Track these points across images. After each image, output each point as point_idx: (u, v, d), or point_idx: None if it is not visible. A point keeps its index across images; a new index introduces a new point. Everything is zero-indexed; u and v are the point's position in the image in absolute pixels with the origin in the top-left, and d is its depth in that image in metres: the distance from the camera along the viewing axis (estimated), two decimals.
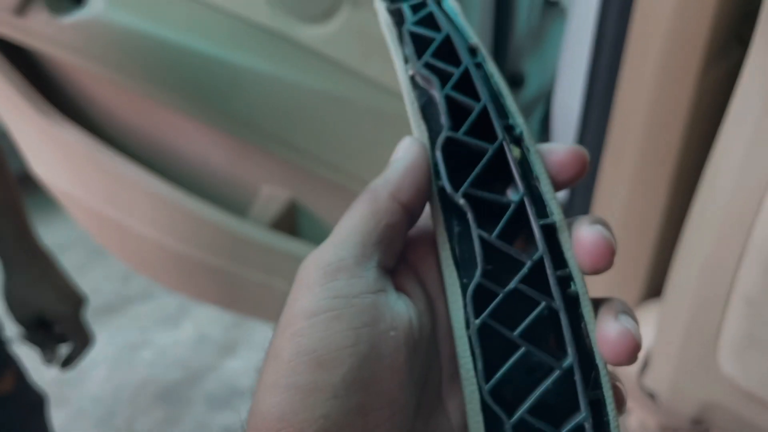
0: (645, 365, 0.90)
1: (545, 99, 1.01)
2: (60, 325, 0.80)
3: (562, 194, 0.95)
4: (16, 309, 0.78)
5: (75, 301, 0.81)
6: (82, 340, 0.82)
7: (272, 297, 1.08)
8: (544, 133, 1.01)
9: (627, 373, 0.94)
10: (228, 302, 1.20)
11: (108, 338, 1.97)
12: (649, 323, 0.89)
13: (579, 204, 0.92)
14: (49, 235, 2.09)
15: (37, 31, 0.88)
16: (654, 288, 0.94)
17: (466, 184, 0.30)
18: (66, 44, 0.89)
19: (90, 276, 2.18)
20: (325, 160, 0.91)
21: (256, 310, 1.16)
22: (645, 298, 0.94)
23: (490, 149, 0.30)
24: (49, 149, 1.07)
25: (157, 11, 0.86)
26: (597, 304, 0.29)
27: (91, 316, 0.86)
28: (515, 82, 1.00)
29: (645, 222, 0.88)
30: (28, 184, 1.19)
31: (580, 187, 0.91)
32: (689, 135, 0.80)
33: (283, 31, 0.87)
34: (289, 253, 1.02)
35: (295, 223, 1.09)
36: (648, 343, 0.89)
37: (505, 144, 0.30)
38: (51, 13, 0.85)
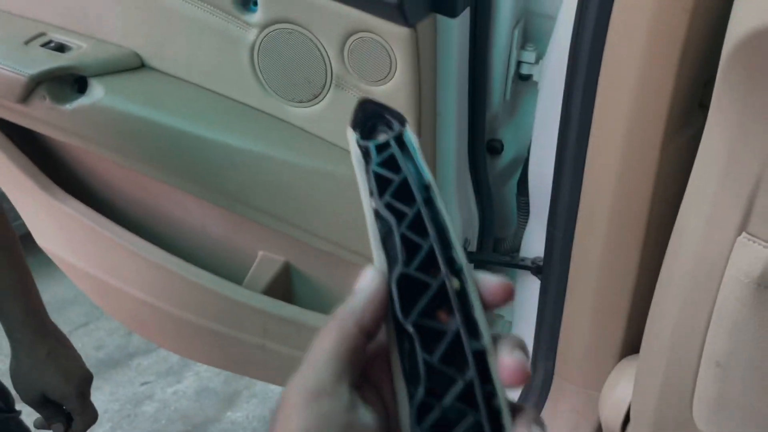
0: (626, 420, 0.93)
1: (522, 163, 1.06)
2: (65, 404, 0.83)
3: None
4: (21, 389, 0.81)
5: (80, 380, 0.84)
6: (85, 419, 0.85)
7: (266, 358, 1.12)
8: (521, 195, 1.06)
9: (610, 428, 0.97)
10: (224, 363, 1.24)
11: (111, 393, 2.00)
12: (629, 379, 0.92)
13: (557, 265, 0.96)
14: (53, 290, 2.14)
15: (40, 118, 0.94)
16: (632, 344, 0.97)
17: (414, 314, 0.35)
18: (68, 129, 0.95)
19: (94, 331, 2.22)
20: (316, 232, 0.95)
21: (251, 370, 1.19)
22: (624, 354, 0.97)
23: (434, 284, 0.35)
24: (51, 222, 1.12)
25: (153, 97, 0.92)
26: (514, 410, 0.34)
27: (95, 370, 0.89)
28: (494, 148, 1.05)
29: (619, 282, 0.92)
30: (32, 240, 1.23)
31: (558, 247, 0.95)
32: (656, 201, 0.85)
33: (273, 112, 0.93)
34: (283, 316, 1.06)
35: (289, 287, 1.13)
36: (628, 398, 0.92)
37: (446, 280, 0.35)
38: (53, 101, 0.91)
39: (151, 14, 0.91)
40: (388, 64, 0.82)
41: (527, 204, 1.06)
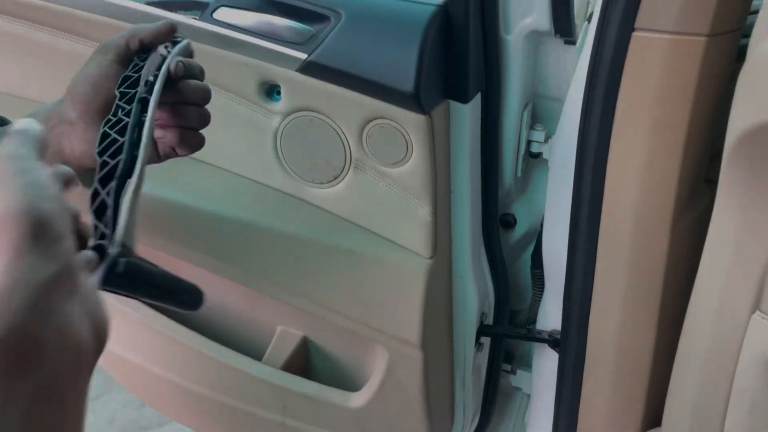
0: None
1: (535, 236, 1.09)
2: None
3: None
4: None
5: None
6: None
7: None
8: (536, 267, 1.08)
9: None
10: None
11: None
12: None
13: (574, 339, 0.97)
14: None
15: None
16: (654, 417, 0.97)
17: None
18: None
19: (107, 404, 2.21)
20: (336, 308, 0.97)
21: None
22: (646, 428, 0.97)
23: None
24: None
25: (175, 177, 0.96)
26: None
27: None
28: (507, 223, 1.08)
29: (637, 356, 0.92)
30: None
31: (574, 321, 0.97)
32: (670, 276, 0.87)
33: (294, 193, 0.96)
34: (303, 393, 1.07)
35: (307, 362, 1.14)
36: None
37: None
38: None
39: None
40: (404, 148, 0.86)
41: (542, 277, 1.07)
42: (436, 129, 0.86)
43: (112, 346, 1.18)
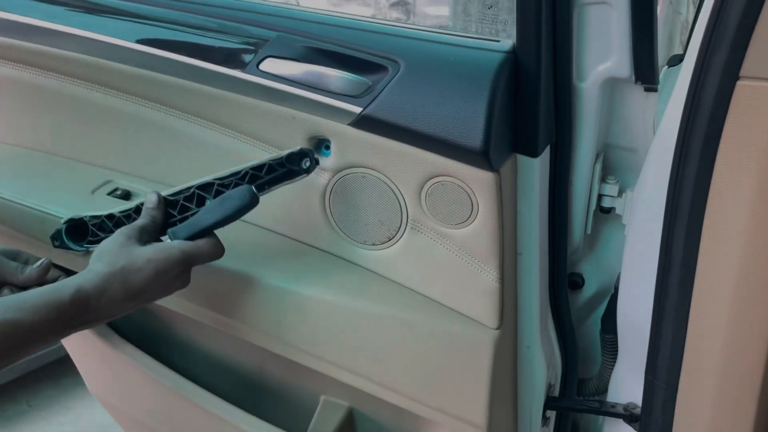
0: None
1: (604, 297, 0.99)
2: None
3: None
4: None
5: None
6: None
7: None
8: (606, 332, 0.97)
9: None
10: None
11: None
12: None
13: (659, 418, 0.86)
14: (94, 414, 2.04)
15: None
16: None
17: None
18: None
19: None
20: (390, 385, 0.88)
21: None
22: None
23: None
24: (105, 369, 1.07)
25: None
26: None
27: None
28: (575, 283, 0.98)
29: None
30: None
31: (659, 399, 0.86)
32: None
33: (344, 255, 0.88)
34: None
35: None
36: None
37: None
38: None
39: (221, 160, 0.89)
40: (469, 208, 0.77)
41: (614, 343, 0.97)
42: (504, 186, 0.77)
43: (148, 420, 1.10)
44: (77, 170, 0.96)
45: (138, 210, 0.81)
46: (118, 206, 0.84)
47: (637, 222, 0.84)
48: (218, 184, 0.80)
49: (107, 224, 0.83)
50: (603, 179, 0.91)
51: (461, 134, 0.73)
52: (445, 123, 0.73)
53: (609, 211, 0.92)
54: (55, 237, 0.85)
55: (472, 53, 0.75)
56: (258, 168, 0.80)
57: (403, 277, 0.86)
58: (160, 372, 1.03)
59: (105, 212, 0.83)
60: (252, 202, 0.77)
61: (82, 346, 1.08)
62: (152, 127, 0.91)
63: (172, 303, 0.91)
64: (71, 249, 0.85)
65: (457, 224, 0.80)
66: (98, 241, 0.82)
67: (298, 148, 0.81)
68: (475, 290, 0.82)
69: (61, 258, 0.87)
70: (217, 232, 0.80)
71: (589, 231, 0.93)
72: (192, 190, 0.80)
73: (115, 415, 1.15)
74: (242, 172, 0.80)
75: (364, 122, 0.78)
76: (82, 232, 0.85)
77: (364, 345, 0.86)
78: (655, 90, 0.81)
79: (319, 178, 0.85)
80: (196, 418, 1.03)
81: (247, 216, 0.88)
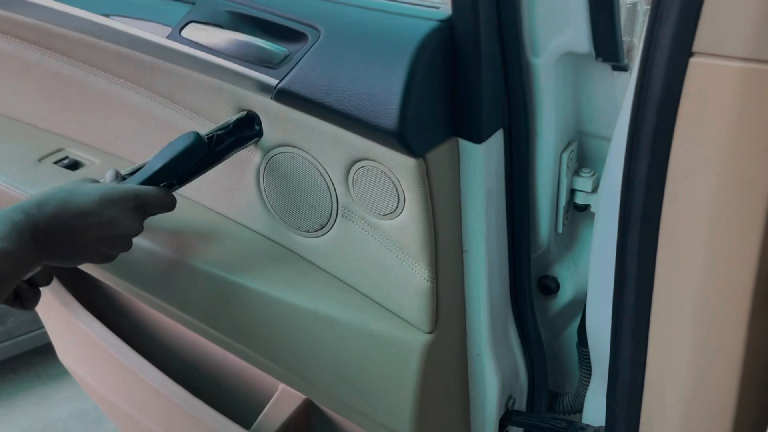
0: None
1: (583, 306, 0.87)
2: None
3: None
4: None
5: None
6: None
7: None
8: (582, 344, 0.86)
9: None
10: None
11: None
12: None
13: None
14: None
15: None
16: None
17: None
18: None
19: None
20: (316, 384, 0.81)
21: None
22: None
23: None
24: (73, 340, 1.07)
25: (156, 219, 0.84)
26: None
27: None
28: (547, 287, 0.87)
29: None
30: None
31: (621, 427, 0.74)
32: (744, 387, 0.63)
33: (281, 241, 0.82)
34: None
35: (311, 426, 0.99)
36: None
37: None
38: None
39: (164, 132, 0.84)
40: (395, 197, 0.69)
41: (588, 357, 0.86)
42: (435, 175, 0.68)
43: (112, 396, 1.10)
44: (31, 136, 0.95)
45: None
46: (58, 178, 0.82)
47: (600, 222, 0.72)
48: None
49: None
50: (577, 172, 0.79)
51: (375, 112, 0.64)
52: (359, 99, 0.65)
53: (584, 208, 0.81)
54: None
55: (399, 20, 0.66)
56: (207, 140, 0.75)
57: (336, 268, 0.79)
58: (124, 353, 1.01)
59: None
60: (198, 144, 0.72)
61: (51, 315, 1.08)
62: (100, 95, 0.88)
63: (112, 282, 0.89)
64: None
65: (386, 215, 0.71)
66: None
67: (245, 112, 0.75)
68: (407, 289, 0.73)
69: None
70: None
71: (560, 230, 0.82)
72: None
73: (83, 386, 1.15)
74: None
75: (282, 96, 0.70)
76: None
77: (288, 339, 0.79)
78: (625, 69, 0.69)
79: (252, 156, 0.79)
80: (150, 398, 1.01)
81: (187, 191, 0.84)
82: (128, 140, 0.89)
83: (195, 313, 0.83)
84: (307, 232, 0.79)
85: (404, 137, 0.63)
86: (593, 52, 0.67)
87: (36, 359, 2.00)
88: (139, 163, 0.77)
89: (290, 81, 0.68)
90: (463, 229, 0.75)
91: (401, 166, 0.66)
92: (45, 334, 1.11)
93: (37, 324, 1.87)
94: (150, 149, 0.87)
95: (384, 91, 0.63)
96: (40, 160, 0.90)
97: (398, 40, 0.64)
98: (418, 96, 0.63)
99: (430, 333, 0.74)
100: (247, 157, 0.79)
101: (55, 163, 0.90)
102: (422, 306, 0.73)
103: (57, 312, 1.04)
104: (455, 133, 0.70)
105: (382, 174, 0.68)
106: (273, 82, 0.70)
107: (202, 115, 0.80)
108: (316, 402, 0.97)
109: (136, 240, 0.77)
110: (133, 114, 0.87)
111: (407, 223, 0.70)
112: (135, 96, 0.85)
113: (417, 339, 0.73)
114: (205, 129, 0.79)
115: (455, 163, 0.71)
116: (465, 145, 0.70)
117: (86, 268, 0.91)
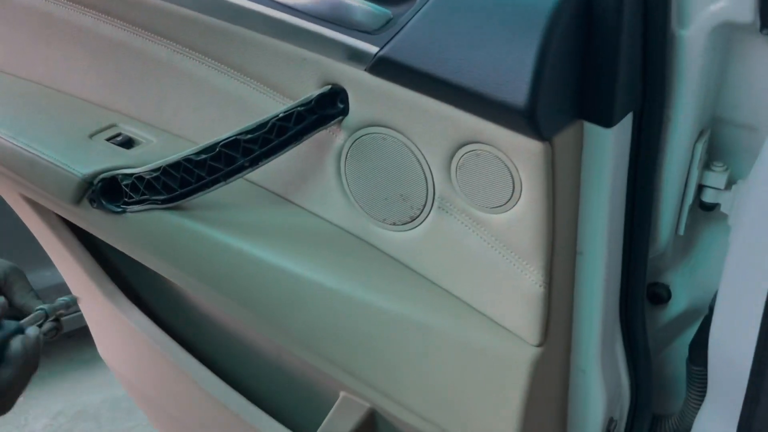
0: None
1: (698, 318, 0.77)
2: None
3: None
4: None
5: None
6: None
7: None
8: (695, 363, 0.76)
9: None
10: None
11: None
12: None
13: None
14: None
15: (94, 223, 0.80)
16: None
17: None
18: (121, 238, 0.81)
19: None
20: (400, 400, 0.72)
21: None
22: None
23: None
24: (114, 334, 0.99)
25: (221, 208, 0.75)
26: None
27: None
28: (657, 296, 0.77)
29: None
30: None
31: None
32: None
33: (360, 234, 0.72)
34: None
35: None
36: None
37: None
38: (105, 205, 0.77)
39: (230, 108, 0.75)
40: (509, 187, 0.59)
41: (703, 377, 0.75)
42: (560, 162, 0.58)
43: (154, 394, 1.01)
44: (82, 111, 0.86)
45: (166, 171, 0.71)
46: (146, 164, 0.73)
47: (745, 226, 0.61)
48: (245, 141, 0.67)
49: (137, 185, 0.73)
50: (707, 165, 0.69)
51: (500, 86, 0.54)
52: (481, 70, 0.55)
53: (712, 207, 0.70)
54: (92, 198, 0.76)
55: None
56: (285, 118, 0.66)
57: (427, 267, 0.69)
58: (172, 350, 0.93)
59: (133, 171, 0.73)
60: None
61: (92, 306, 1.00)
62: (159, 66, 0.79)
63: (171, 275, 0.80)
64: (110, 211, 0.76)
65: (494, 208, 0.61)
66: (133, 203, 0.74)
67: (328, 87, 0.66)
68: (514, 294, 0.63)
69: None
70: (219, 191, 0.70)
71: (682, 231, 0.71)
72: (218, 149, 0.68)
73: (124, 384, 1.07)
74: (269, 124, 0.67)
75: (381, 66, 0.60)
76: (116, 190, 0.76)
77: (369, 347, 0.70)
78: None
79: (334, 137, 0.69)
80: (200, 402, 0.93)
81: (255, 176, 0.75)
82: (190, 117, 0.80)
83: (261, 312, 0.73)
84: (394, 225, 0.70)
85: (534, 116, 0.53)
86: (758, 22, 0.56)
87: (69, 343, 1.93)
88: (207, 142, 0.68)
89: (394, 48, 0.59)
90: (580, 227, 0.65)
91: (522, 150, 0.56)
92: (80, 317, 1.03)
93: (74, 307, 1.80)
94: (214, 128, 0.78)
95: (512, 61, 0.53)
96: (91, 136, 0.81)
97: (528, 5, 0.54)
98: (552, 68, 0.53)
99: (538, 346, 0.64)
100: (327, 139, 0.70)
101: (108, 140, 0.81)
102: (531, 315, 0.63)
103: (99, 303, 0.96)
104: (581, 115, 0.60)
105: (496, 160, 0.59)
106: (372, 49, 0.60)
107: (278, 89, 0.71)
108: (384, 413, 0.87)
109: (197, 229, 0.69)
110: (197, 88, 0.77)
111: (521, 218, 0.60)
112: (200, 67, 0.76)
113: (524, 353, 0.63)
114: (279, 105, 0.70)
115: (578, 151, 0.61)
116: (591, 129, 0.60)
117: (138, 256, 0.82)
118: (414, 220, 0.68)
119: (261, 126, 0.67)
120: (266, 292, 0.72)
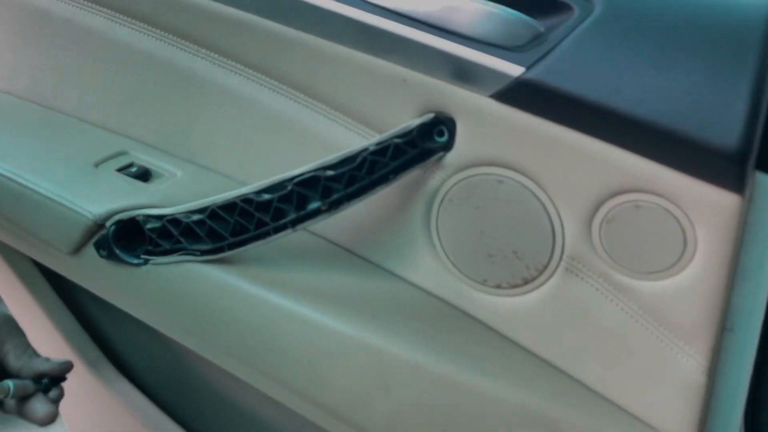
0: None
1: None
2: None
3: None
4: None
5: None
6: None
7: None
8: None
9: None
10: None
11: None
12: None
13: None
14: None
15: (94, 276, 0.63)
16: None
17: None
18: (130, 299, 0.63)
19: None
20: None
21: None
22: None
23: None
24: (95, 410, 0.79)
25: (269, 263, 0.59)
26: None
27: None
28: None
29: None
30: None
31: None
32: None
33: (450, 298, 0.58)
34: None
35: None
36: None
37: None
38: (117, 255, 0.59)
39: (282, 139, 0.61)
40: (679, 249, 0.47)
41: None
42: (750, 220, 0.46)
43: None
44: (83, 134, 0.69)
45: (215, 214, 0.54)
46: (181, 204, 0.56)
47: None
48: (326, 179, 0.52)
49: (170, 230, 0.56)
50: None
51: (699, 123, 0.42)
52: (669, 102, 0.43)
53: None
54: (101, 245, 0.58)
55: None
56: (379, 152, 0.52)
57: (540, 343, 0.56)
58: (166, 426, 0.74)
59: (163, 212, 0.56)
60: None
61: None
62: (191, 81, 0.64)
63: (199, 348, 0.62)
64: (125, 262, 0.58)
65: (651, 273, 0.49)
66: (161, 253, 0.56)
67: (431, 115, 0.52)
68: (663, 382, 0.51)
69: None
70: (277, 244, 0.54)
71: None
72: (289, 188, 0.53)
73: None
74: (358, 159, 0.52)
75: (521, 92, 0.48)
76: (133, 236, 0.58)
77: None
78: None
79: (427, 178, 0.56)
80: None
81: (317, 229, 0.60)
82: (227, 147, 0.64)
83: (332, 398, 0.57)
84: (499, 288, 0.56)
85: (745, 163, 0.42)
86: None
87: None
88: (273, 179, 0.53)
89: (547, 70, 0.46)
90: (734, 297, 0.53)
91: (707, 204, 0.45)
92: None
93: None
94: (260, 162, 0.63)
95: (717, 91, 0.42)
96: (96, 165, 0.64)
97: (731, 15, 0.43)
98: (764, 105, 0.42)
99: None
100: (417, 180, 0.56)
101: (120, 170, 0.64)
102: (687, 409, 0.50)
103: (78, 373, 0.76)
104: (758, 164, 0.49)
105: (665, 214, 0.47)
106: (511, 70, 0.48)
107: (354, 115, 0.57)
108: None
109: (247, 290, 0.53)
110: (241, 110, 0.62)
111: (689, 286, 0.48)
112: (247, 84, 0.61)
113: None
114: (353, 136, 0.57)
115: (746, 206, 0.50)
116: (764, 180, 0.49)
117: (154, 321, 0.64)
118: (528, 283, 0.55)
119: (347, 160, 0.52)
120: (342, 372, 0.56)
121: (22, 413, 0.50)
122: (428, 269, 0.59)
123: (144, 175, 0.65)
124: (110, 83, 0.68)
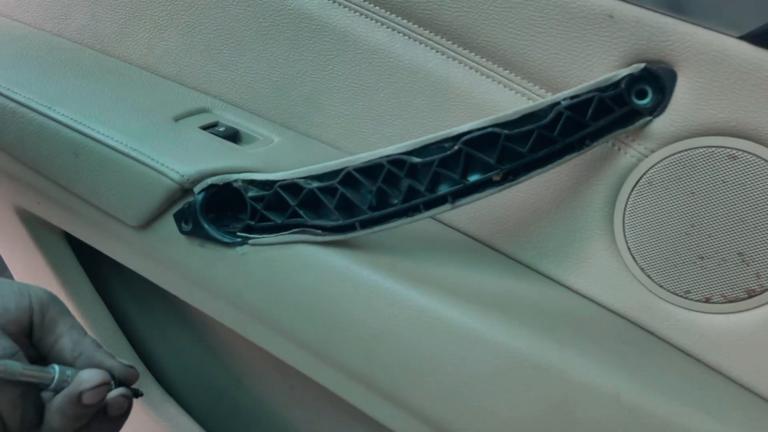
0: None
1: None
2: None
3: None
4: None
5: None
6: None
7: None
8: None
9: None
10: None
11: None
12: None
13: None
14: None
15: (164, 257, 0.49)
16: None
17: None
18: (217, 290, 0.49)
19: None
20: None
21: None
22: None
23: None
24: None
25: (389, 249, 0.46)
26: None
27: None
28: None
29: None
30: None
31: None
32: None
33: (633, 314, 0.45)
34: None
35: None
36: None
37: None
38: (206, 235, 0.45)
39: (426, 98, 0.48)
40: None
41: None
42: None
43: None
44: (155, 86, 0.55)
45: (350, 178, 0.41)
46: (275, 168, 0.43)
47: None
48: (505, 138, 0.39)
49: (285, 199, 0.42)
50: None
51: None
52: None
53: None
54: (184, 216, 0.44)
55: None
56: (578, 107, 0.39)
57: (765, 377, 0.42)
58: None
59: (278, 176, 0.42)
60: None
61: None
62: (299, 25, 0.51)
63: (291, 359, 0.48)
64: (215, 240, 0.44)
65: None
66: (266, 230, 0.42)
67: (641, 65, 0.40)
68: None
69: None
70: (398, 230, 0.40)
71: None
72: (456, 147, 0.39)
73: None
74: (550, 115, 0.39)
75: None
76: (225, 207, 0.44)
77: None
78: None
79: (616, 153, 0.43)
80: None
81: (449, 217, 0.47)
82: (341, 111, 0.51)
83: (495, 419, 0.43)
84: (708, 302, 0.43)
85: None
86: None
87: None
88: (421, 139, 0.40)
89: None
90: None
91: None
92: None
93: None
94: (385, 131, 0.50)
95: None
96: (176, 119, 0.51)
97: None
98: None
99: None
100: (597, 154, 0.43)
101: (204, 128, 0.51)
102: None
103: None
104: None
105: None
106: None
107: (525, 71, 0.44)
108: None
109: (382, 284, 0.40)
110: (366, 62, 0.50)
111: None
112: (379, 31, 0.49)
113: None
114: (522, 100, 0.44)
115: None
116: None
117: (243, 320, 0.50)
118: (753, 297, 0.41)
119: (531, 116, 0.39)
120: (511, 399, 0.41)
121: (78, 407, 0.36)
122: (604, 274, 0.45)
123: (233, 138, 0.51)
124: (190, 27, 0.55)
